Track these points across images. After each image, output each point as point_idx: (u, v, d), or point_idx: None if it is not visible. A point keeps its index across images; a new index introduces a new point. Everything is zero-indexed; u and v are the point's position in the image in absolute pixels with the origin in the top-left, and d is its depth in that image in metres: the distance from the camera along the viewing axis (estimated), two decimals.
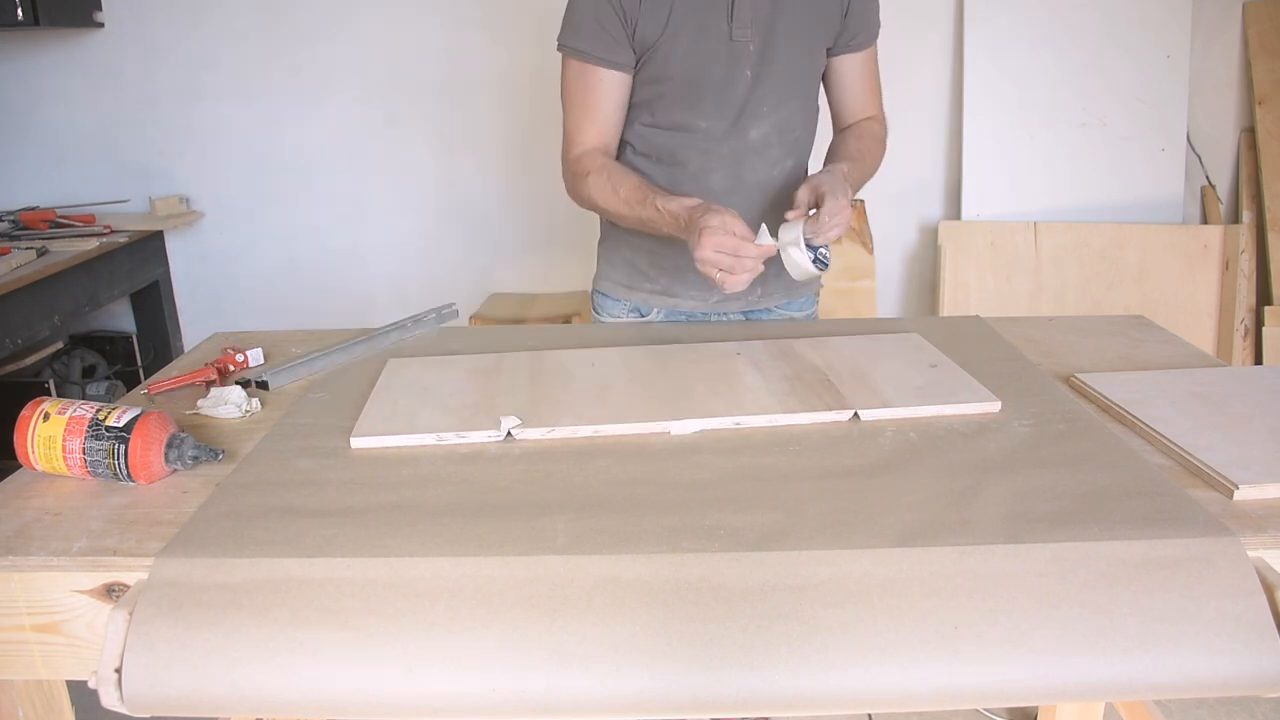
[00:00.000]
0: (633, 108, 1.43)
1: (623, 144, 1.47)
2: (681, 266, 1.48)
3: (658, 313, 1.55)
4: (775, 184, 1.45)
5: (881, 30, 1.48)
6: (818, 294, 1.64)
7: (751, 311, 1.56)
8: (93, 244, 2.60)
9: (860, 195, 1.61)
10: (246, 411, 1.16)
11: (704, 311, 1.54)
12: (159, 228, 2.92)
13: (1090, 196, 2.93)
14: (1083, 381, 1.18)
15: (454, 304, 1.52)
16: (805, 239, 1.25)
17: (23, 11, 2.54)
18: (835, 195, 1.23)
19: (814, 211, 1.25)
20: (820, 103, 1.51)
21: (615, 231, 1.54)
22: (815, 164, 1.55)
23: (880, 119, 1.53)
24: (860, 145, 1.44)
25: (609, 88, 1.37)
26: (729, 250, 1.18)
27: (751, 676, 0.75)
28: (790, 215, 1.26)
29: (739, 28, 1.33)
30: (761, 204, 1.44)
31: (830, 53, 1.45)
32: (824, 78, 1.49)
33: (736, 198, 1.39)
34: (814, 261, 1.27)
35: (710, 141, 1.40)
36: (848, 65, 1.46)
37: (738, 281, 1.21)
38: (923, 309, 3.15)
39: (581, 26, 1.34)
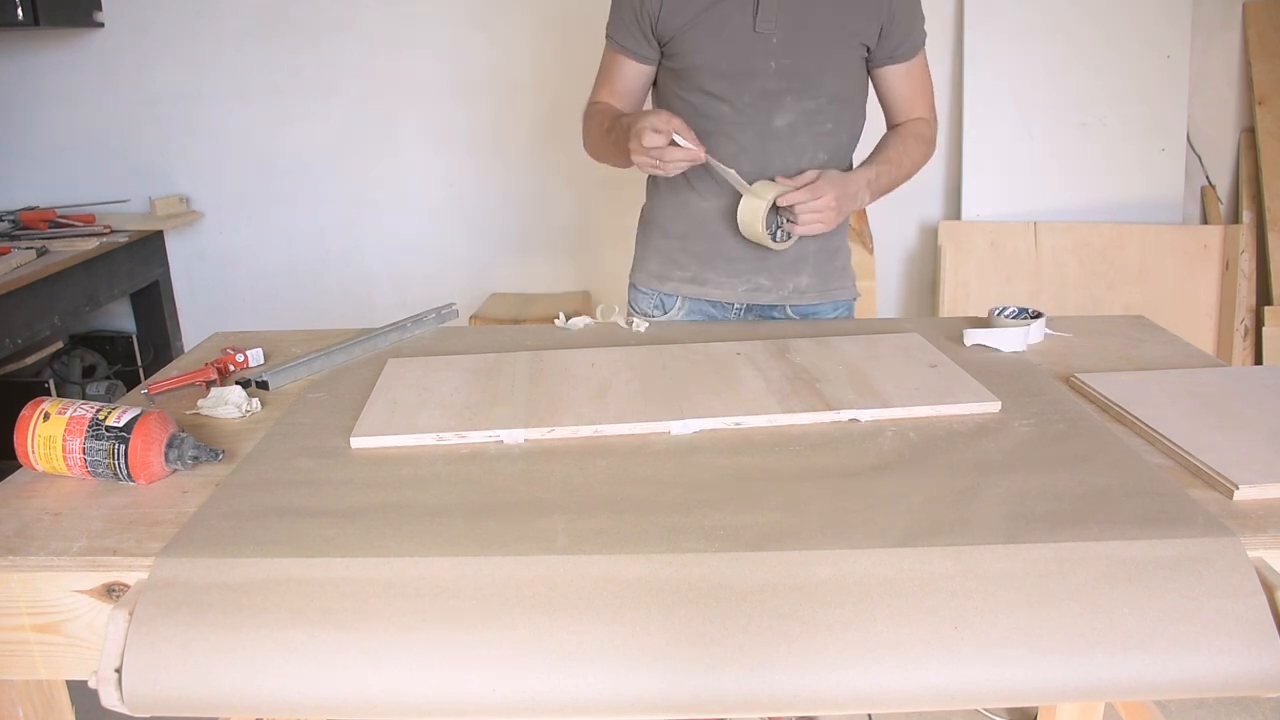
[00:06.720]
0: (668, 95, 1.55)
1: None
2: (712, 253, 1.56)
3: (680, 308, 1.59)
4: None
5: None
6: (854, 301, 1.65)
7: (778, 306, 1.57)
8: (93, 244, 2.60)
9: None
10: (246, 411, 1.16)
11: (733, 301, 1.57)
12: (159, 228, 2.92)
13: (1090, 196, 2.93)
14: (1083, 381, 1.18)
15: (454, 304, 1.53)
16: (784, 215, 1.41)
17: (23, 11, 2.54)
18: (824, 193, 1.38)
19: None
20: (872, 108, 1.57)
21: (650, 219, 1.62)
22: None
23: (929, 119, 1.59)
24: (902, 147, 1.54)
25: (626, 72, 1.56)
26: (648, 145, 1.34)
27: (751, 676, 0.75)
28: (780, 177, 1.43)
29: (763, 21, 1.43)
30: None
31: (873, 64, 1.52)
32: (875, 86, 1.56)
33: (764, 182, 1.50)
34: (776, 229, 1.43)
35: (736, 126, 1.48)
36: (894, 75, 1.54)
37: (667, 170, 1.37)
38: (923, 309, 3.15)
39: (613, 18, 1.55)
